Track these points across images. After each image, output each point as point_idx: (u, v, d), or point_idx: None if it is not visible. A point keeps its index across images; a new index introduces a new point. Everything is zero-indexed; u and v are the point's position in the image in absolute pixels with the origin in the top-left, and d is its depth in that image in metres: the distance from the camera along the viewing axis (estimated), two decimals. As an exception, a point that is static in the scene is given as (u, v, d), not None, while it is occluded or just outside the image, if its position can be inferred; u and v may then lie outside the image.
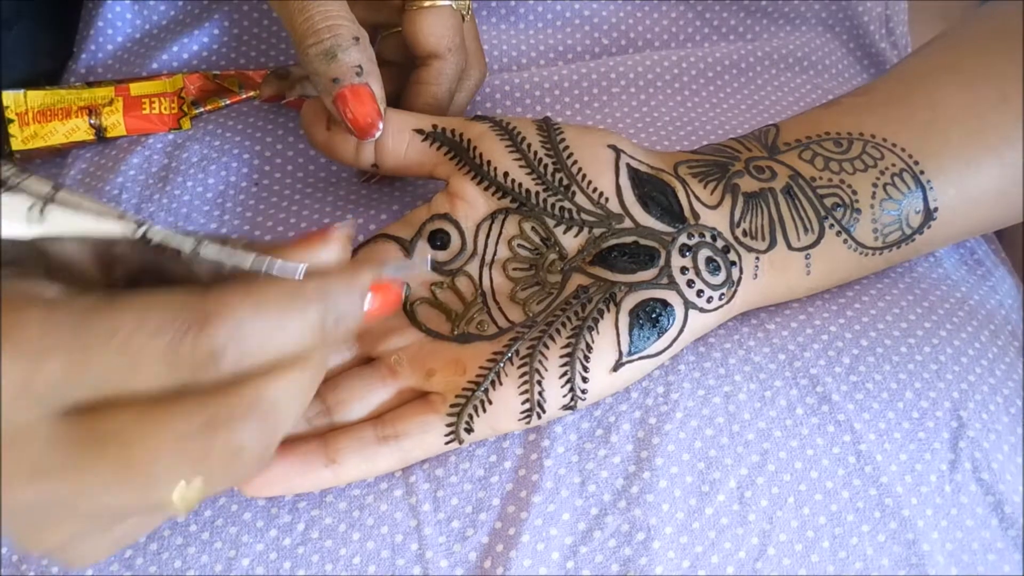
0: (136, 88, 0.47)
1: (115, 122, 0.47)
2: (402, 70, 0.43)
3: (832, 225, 0.38)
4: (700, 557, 0.34)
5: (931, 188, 0.39)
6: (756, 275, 0.38)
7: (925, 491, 0.36)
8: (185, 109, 0.47)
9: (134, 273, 0.28)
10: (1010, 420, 0.38)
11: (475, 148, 0.38)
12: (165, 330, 0.25)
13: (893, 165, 0.39)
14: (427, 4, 0.41)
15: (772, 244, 0.38)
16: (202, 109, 0.47)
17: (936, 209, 0.40)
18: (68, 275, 0.27)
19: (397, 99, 0.42)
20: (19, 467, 0.26)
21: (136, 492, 0.27)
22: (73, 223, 0.27)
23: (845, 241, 0.39)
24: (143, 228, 0.27)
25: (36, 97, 0.47)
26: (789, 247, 0.38)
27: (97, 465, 0.25)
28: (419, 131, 0.39)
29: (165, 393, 0.25)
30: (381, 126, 0.38)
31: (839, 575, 0.35)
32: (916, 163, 0.39)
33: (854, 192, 0.39)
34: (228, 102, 0.48)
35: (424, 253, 0.38)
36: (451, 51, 0.41)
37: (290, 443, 0.34)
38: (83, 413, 0.26)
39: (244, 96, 0.48)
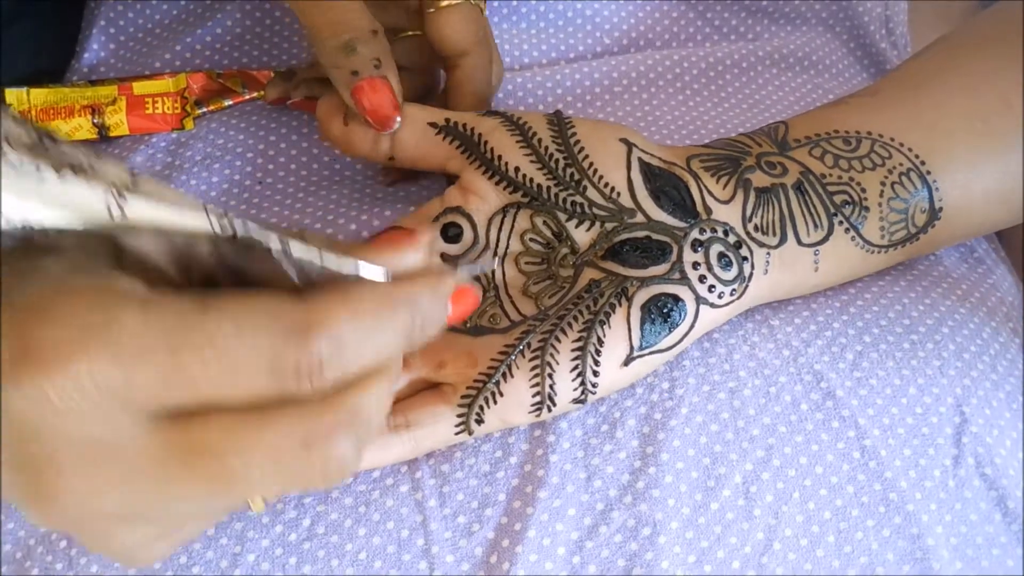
0: (139, 87, 0.47)
1: (118, 121, 0.47)
2: (412, 74, 0.44)
3: (841, 222, 0.39)
4: (706, 552, 0.34)
5: (937, 188, 0.40)
6: (767, 271, 0.38)
7: (929, 486, 0.36)
8: (188, 109, 0.47)
9: (211, 271, 0.26)
10: (1013, 415, 0.38)
11: (486, 143, 0.38)
12: (266, 338, 0.24)
13: (900, 164, 0.40)
14: (445, 3, 0.41)
15: (783, 240, 0.38)
16: (205, 109, 0.47)
17: (941, 209, 0.40)
18: (141, 269, 0.25)
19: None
20: (108, 473, 0.24)
21: (225, 503, 0.26)
22: (156, 214, 0.24)
23: (853, 239, 0.39)
24: (233, 224, 0.25)
25: (39, 95, 0.47)
26: (799, 243, 0.38)
27: (189, 475, 0.24)
28: (432, 124, 0.39)
29: (262, 401, 0.24)
30: (399, 118, 0.38)
31: (844, 570, 0.35)
32: (923, 163, 0.40)
33: (863, 190, 0.39)
34: (231, 103, 0.48)
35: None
36: (478, 44, 0.42)
37: None
38: (177, 420, 0.24)
39: (247, 96, 0.48)
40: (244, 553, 0.34)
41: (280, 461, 0.24)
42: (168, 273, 0.26)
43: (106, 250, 0.25)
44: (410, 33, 0.43)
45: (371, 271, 0.27)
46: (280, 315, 0.24)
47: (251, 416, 0.24)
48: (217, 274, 0.26)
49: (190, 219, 0.24)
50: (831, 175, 0.39)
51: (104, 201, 0.23)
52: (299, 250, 0.25)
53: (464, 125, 0.39)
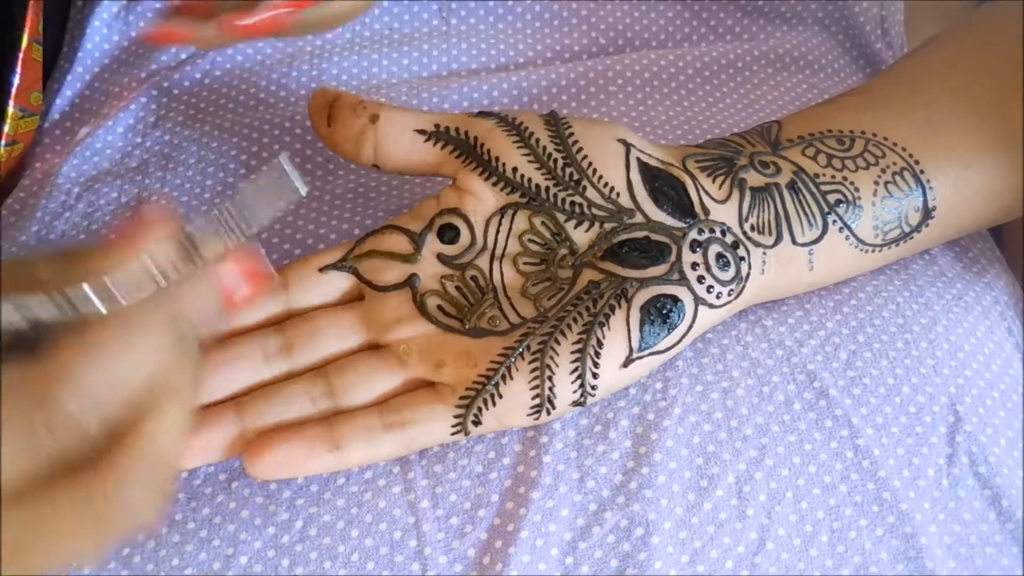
0: None
1: None
2: None
3: (835, 221, 0.39)
4: (699, 552, 0.34)
5: (931, 187, 0.40)
6: (763, 271, 0.38)
7: (923, 485, 0.36)
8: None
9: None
10: (1007, 414, 0.38)
11: (482, 144, 0.37)
12: (22, 413, 0.24)
13: (894, 164, 0.40)
14: None
15: (778, 239, 0.38)
16: None
17: (934, 208, 0.40)
18: None
19: None
20: None
21: (48, 571, 0.25)
22: None
23: (847, 237, 0.39)
24: None
25: None
26: (794, 242, 0.38)
27: None
28: (421, 131, 0.38)
29: (44, 472, 0.24)
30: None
31: (837, 570, 0.35)
32: (916, 162, 0.40)
33: (856, 189, 0.39)
34: None
35: (432, 247, 0.37)
36: None
37: (296, 426, 0.34)
38: None
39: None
40: (237, 555, 0.34)
41: (81, 524, 0.24)
42: None
43: None
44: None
45: (88, 300, 0.26)
46: (26, 385, 0.24)
47: (42, 495, 0.24)
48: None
49: None
50: (824, 174, 0.39)
51: None
52: (37, 309, 0.25)
53: (457, 129, 0.38)
